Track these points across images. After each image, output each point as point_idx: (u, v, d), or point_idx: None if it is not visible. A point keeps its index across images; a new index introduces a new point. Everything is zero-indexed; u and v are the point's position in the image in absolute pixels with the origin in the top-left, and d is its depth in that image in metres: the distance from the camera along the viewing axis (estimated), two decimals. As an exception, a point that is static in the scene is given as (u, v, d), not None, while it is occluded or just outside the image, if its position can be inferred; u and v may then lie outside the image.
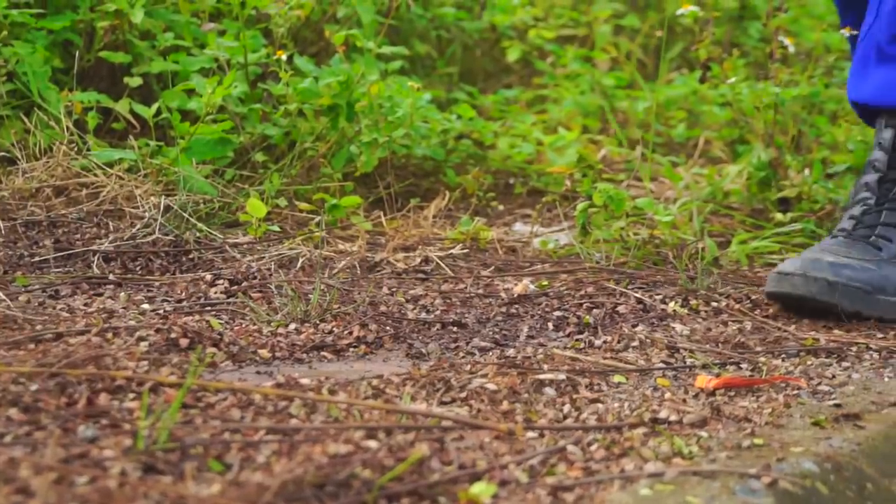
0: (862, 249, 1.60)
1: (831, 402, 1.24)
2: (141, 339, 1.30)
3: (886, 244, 1.60)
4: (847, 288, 1.53)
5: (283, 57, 1.99)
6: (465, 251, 1.79)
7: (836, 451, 1.09)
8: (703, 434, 1.12)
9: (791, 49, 2.28)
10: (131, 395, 1.12)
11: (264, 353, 1.32)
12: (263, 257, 1.69)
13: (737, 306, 1.59)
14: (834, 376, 1.34)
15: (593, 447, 1.08)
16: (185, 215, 1.74)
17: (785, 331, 1.50)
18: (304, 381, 1.21)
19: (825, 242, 1.63)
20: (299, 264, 1.67)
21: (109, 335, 1.31)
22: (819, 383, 1.31)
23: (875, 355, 1.43)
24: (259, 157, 1.98)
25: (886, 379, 1.34)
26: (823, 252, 1.58)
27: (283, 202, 1.90)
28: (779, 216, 2.00)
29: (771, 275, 1.57)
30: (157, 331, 1.32)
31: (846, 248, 1.60)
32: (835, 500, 1.03)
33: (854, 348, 1.45)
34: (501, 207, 2.17)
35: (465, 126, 2.27)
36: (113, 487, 0.91)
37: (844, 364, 1.39)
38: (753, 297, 1.63)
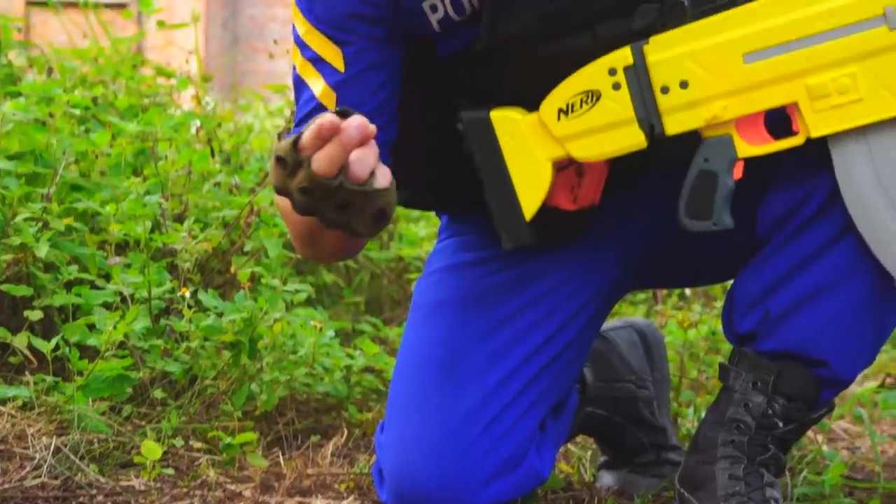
0: None
1: None
2: None
3: None
4: None
5: (188, 294, 2.00)
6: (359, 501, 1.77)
7: None
8: None
9: (688, 291, 2.35)
10: None
11: None
12: (156, 502, 1.66)
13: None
14: None
15: None
16: (76, 459, 1.71)
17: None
18: None
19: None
20: (192, 509, 1.65)
21: None
22: None
23: None
24: (158, 393, 1.96)
25: None
26: None
27: (179, 442, 1.87)
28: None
29: None
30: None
31: None
32: None
33: None
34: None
35: (368, 360, 2.28)
36: None
37: None
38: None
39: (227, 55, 15.89)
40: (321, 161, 1.26)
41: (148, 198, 2.12)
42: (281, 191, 1.30)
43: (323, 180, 1.26)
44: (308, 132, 1.26)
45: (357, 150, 1.25)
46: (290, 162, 1.27)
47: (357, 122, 1.25)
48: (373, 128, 1.26)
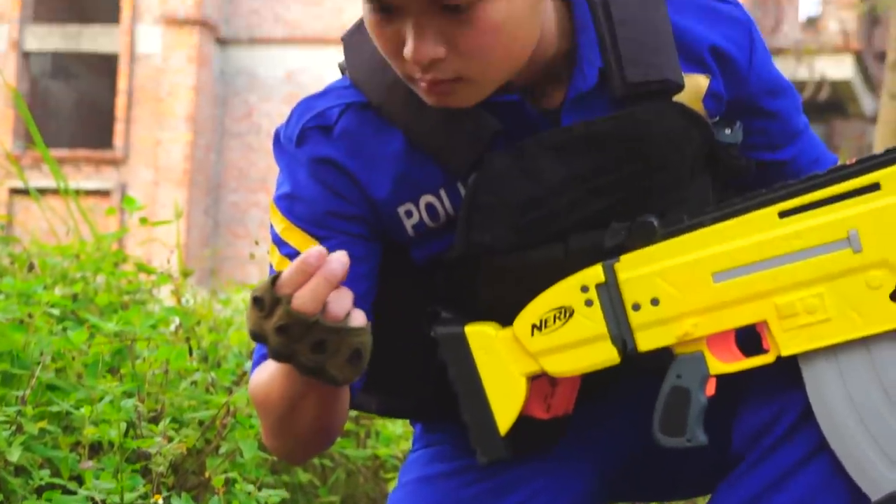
0: None
1: None
2: None
3: None
4: None
5: (160, 501, 1.98)
6: None
7: None
8: None
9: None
10: None
11: None
12: None
13: None
14: None
15: None
16: None
17: None
18: None
19: None
20: None
21: None
22: None
23: None
24: None
25: None
26: None
27: None
28: None
29: None
30: None
31: None
32: None
33: None
34: None
35: (342, 567, 2.25)
36: None
37: None
38: None
39: (208, 242, 16.04)
40: (304, 297, 1.29)
41: (124, 402, 2.11)
42: (256, 334, 1.32)
43: (301, 316, 1.28)
44: (289, 269, 1.29)
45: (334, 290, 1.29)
46: (268, 301, 1.30)
47: (339, 257, 1.29)
48: (348, 263, 1.30)
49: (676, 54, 1.46)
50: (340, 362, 1.33)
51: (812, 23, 15.96)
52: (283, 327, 1.30)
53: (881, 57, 15.69)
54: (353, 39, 1.53)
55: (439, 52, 1.35)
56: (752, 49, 1.52)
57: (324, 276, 1.29)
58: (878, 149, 5.31)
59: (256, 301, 1.31)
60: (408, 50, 1.35)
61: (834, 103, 16.46)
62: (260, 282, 1.33)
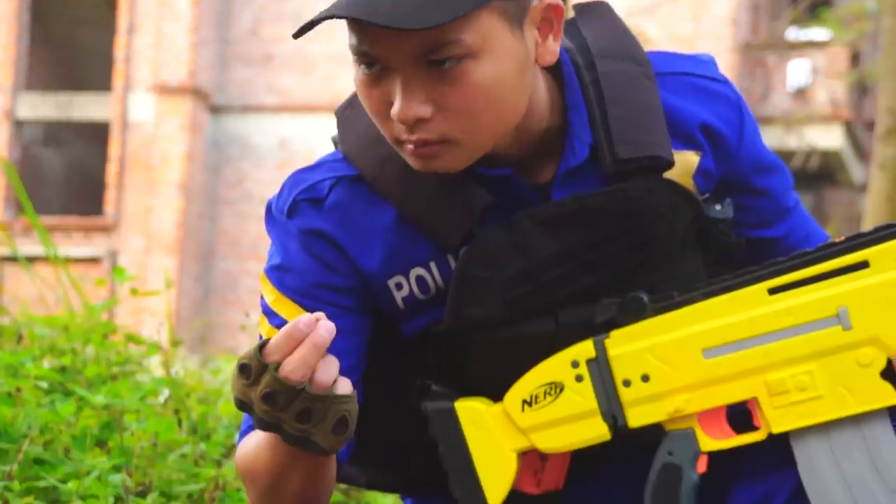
0: None
1: None
2: None
3: None
4: None
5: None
6: None
7: None
8: None
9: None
10: None
11: None
12: None
13: None
14: None
15: None
16: None
17: None
18: None
19: None
20: None
21: None
22: None
23: None
24: None
25: None
26: None
27: None
28: None
29: None
30: None
31: None
32: None
33: None
34: None
35: None
36: None
37: None
38: None
39: (199, 310, 15.99)
40: (293, 364, 1.29)
41: (112, 476, 2.09)
42: (242, 402, 1.32)
43: (289, 384, 1.28)
44: (279, 336, 1.29)
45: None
46: (255, 368, 1.30)
47: (324, 324, 1.30)
48: (334, 330, 1.30)
49: (667, 131, 1.47)
50: (326, 431, 1.32)
51: (801, 92, 16.09)
52: (269, 395, 1.29)
53: (871, 126, 15.82)
54: (346, 114, 1.54)
55: (425, 111, 1.36)
56: (742, 126, 1.53)
57: (313, 343, 1.29)
58: (868, 218, 5.34)
59: (243, 368, 1.31)
60: (395, 109, 1.36)
61: (823, 172, 16.55)
62: (248, 349, 1.33)
